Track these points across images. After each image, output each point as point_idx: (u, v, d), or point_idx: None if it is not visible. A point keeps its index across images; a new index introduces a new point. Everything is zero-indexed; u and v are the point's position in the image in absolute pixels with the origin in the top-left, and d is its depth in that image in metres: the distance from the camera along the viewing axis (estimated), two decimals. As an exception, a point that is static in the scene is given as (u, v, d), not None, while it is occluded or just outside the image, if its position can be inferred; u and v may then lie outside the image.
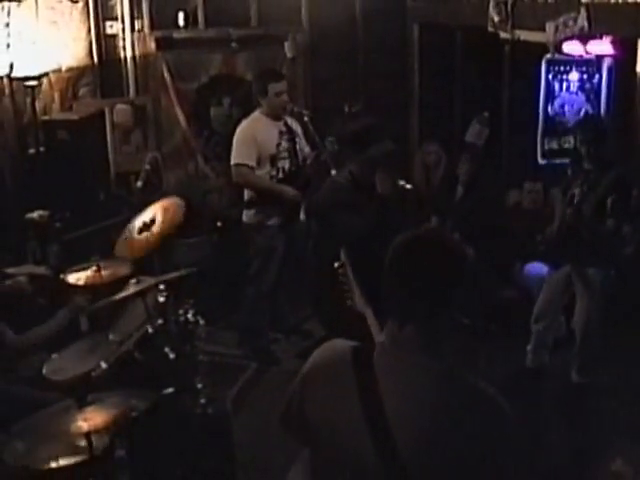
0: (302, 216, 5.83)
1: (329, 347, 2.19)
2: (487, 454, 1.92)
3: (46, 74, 6.65)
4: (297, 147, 5.84)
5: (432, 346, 2.00)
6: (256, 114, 5.84)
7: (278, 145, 5.74)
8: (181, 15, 7.49)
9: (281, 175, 5.75)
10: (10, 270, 4.89)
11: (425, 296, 1.98)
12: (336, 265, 3.35)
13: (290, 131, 5.85)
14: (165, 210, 4.94)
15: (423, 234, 2.10)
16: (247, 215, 5.88)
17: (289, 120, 5.89)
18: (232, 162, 5.73)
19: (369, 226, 4.42)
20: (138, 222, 4.90)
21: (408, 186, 4.93)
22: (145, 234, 4.80)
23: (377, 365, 2.01)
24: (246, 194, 5.88)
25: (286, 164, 5.78)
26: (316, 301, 5.46)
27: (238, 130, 5.80)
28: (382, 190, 4.71)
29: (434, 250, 2.02)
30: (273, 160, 5.71)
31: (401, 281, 2.01)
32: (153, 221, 4.85)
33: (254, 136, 5.68)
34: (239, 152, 5.69)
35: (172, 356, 4.14)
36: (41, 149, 6.59)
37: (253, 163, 5.64)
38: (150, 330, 4.21)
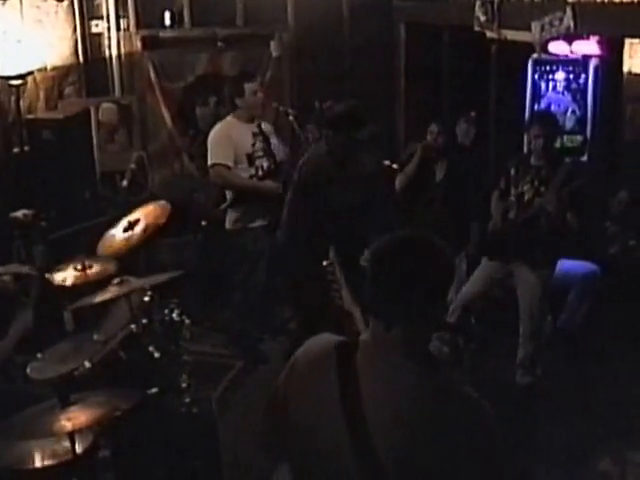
0: None
1: (316, 341, 2.17)
2: (470, 456, 1.91)
3: (31, 73, 6.61)
4: (272, 147, 5.84)
5: (416, 348, 1.99)
6: (229, 118, 5.88)
7: (253, 145, 5.75)
8: (167, 14, 7.50)
9: (260, 173, 5.75)
10: (-5, 270, 4.87)
11: (412, 300, 1.95)
12: (325, 263, 3.31)
13: (262, 133, 5.85)
14: (149, 212, 4.98)
15: (408, 236, 2.05)
16: (230, 220, 5.86)
17: (262, 123, 5.90)
18: (209, 163, 5.74)
19: (354, 200, 4.38)
20: (122, 222, 4.95)
21: (394, 166, 4.91)
22: (128, 233, 4.84)
23: (359, 363, 2.00)
24: (228, 196, 5.86)
25: (264, 162, 5.78)
26: (296, 300, 5.44)
27: (211, 133, 5.82)
28: (367, 168, 4.71)
29: (420, 254, 1.99)
30: (250, 159, 5.72)
31: (386, 284, 1.98)
32: (137, 221, 4.89)
33: (228, 135, 5.71)
34: (214, 152, 5.71)
35: (157, 355, 4.12)
36: (26, 148, 6.56)
37: (230, 162, 5.65)
38: (135, 330, 4.19)
